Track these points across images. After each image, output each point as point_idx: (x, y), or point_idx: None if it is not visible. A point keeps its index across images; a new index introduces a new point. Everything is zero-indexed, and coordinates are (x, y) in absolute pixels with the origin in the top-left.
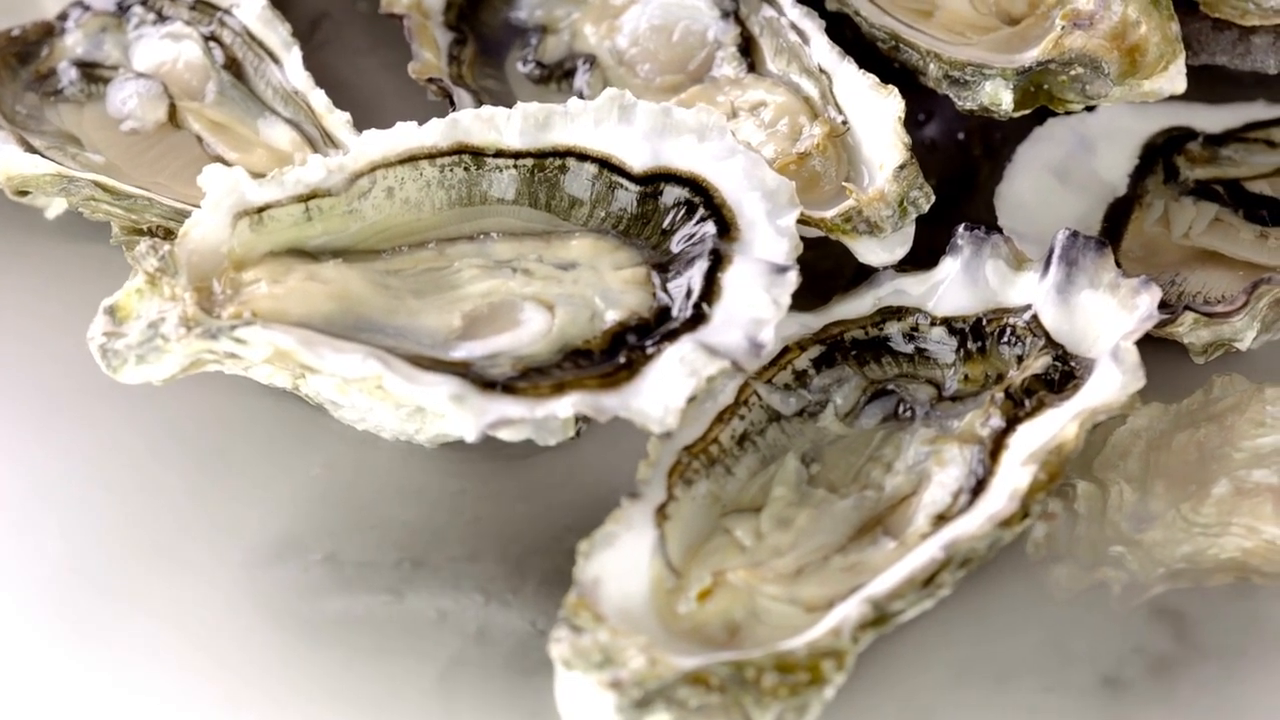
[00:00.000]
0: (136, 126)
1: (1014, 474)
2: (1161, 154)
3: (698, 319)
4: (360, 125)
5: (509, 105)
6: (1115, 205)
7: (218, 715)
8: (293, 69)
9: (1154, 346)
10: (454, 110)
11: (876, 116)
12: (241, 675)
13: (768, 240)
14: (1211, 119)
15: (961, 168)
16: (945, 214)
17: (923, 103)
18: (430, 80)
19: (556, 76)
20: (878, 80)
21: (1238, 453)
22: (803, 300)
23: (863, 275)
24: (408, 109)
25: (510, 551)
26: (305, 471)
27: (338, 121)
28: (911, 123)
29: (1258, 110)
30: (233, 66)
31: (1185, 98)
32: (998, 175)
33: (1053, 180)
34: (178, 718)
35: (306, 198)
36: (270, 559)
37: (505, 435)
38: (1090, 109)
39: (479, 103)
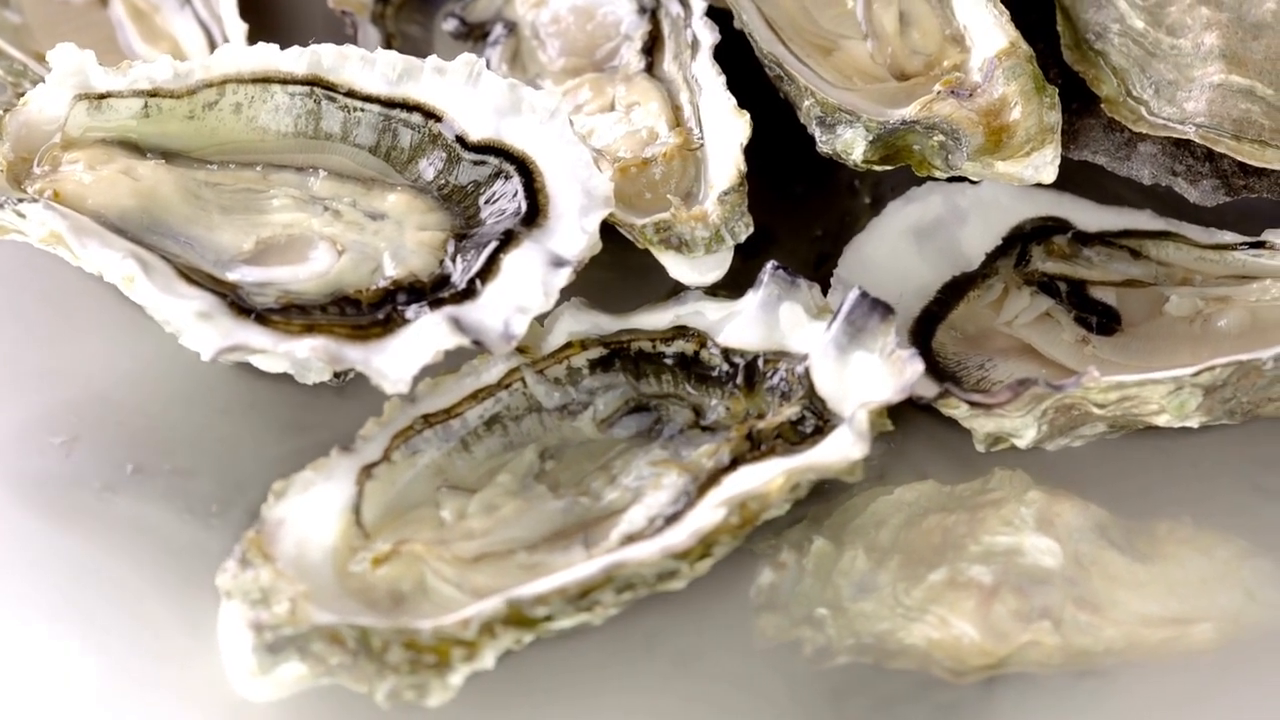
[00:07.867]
0: None
1: (706, 512)
2: (1025, 239)
3: (469, 293)
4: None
5: (423, 55)
6: (959, 279)
7: None
8: None
9: (959, 428)
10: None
11: (726, 138)
12: None
13: (567, 234)
14: (1092, 217)
15: (845, 213)
16: (821, 255)
17: None
18: (344, 12)
19: (475, 36)
20: (736, 104)
21: (975, 545)
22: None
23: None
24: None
25: (231, 476)
26: (109, 361)
27: (236, 31)
28: (819, 161)
29: (1142, 219)
30: None
31: (1077, 191)
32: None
33: (910, 242)
34: None
35: (148, 94)
36: (22, 433)
37: (261, 365)
38: (974, 181)
39: (388, 45)
